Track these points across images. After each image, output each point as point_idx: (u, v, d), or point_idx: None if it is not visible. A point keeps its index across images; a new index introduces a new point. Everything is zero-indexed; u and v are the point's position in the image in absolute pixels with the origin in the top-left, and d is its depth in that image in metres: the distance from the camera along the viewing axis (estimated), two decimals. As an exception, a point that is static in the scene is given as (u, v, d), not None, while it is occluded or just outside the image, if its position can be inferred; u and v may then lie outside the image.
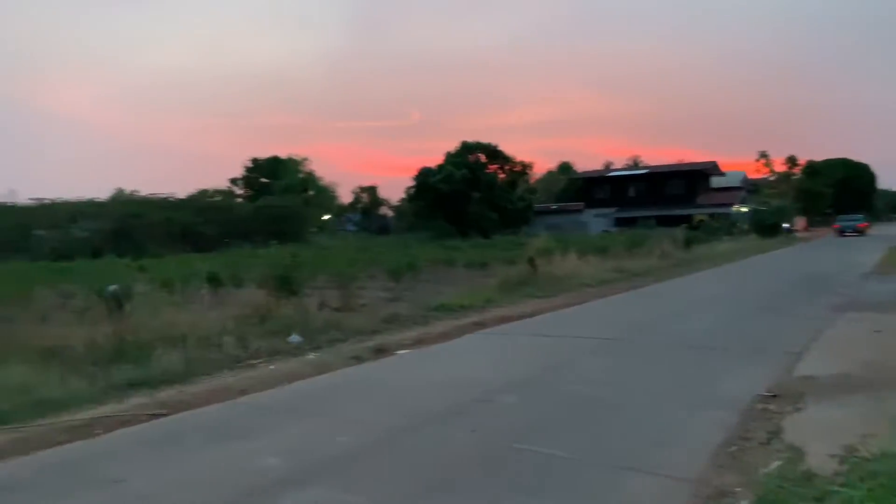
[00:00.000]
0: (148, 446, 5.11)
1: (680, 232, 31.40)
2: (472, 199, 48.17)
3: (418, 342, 9.20)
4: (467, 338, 9.66)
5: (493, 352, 8.75)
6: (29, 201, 44.31)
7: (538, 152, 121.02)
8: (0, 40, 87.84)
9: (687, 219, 45.57)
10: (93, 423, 5.61)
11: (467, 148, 50.19)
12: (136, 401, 6.31)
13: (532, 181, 57.35)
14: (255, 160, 61.30)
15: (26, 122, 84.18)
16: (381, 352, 8.54)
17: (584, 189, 63.71)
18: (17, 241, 35.12)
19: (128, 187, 48.99)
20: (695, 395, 6.17)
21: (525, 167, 52.72)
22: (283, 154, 61.93)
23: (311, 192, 61.05)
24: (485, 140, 51.03)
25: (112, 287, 9.36)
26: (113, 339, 7.92)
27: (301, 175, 61.75)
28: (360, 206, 72.43)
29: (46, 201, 42.47)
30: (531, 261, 16.64)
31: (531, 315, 11.68)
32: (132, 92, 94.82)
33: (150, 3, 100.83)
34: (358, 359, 8.16)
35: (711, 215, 50.30)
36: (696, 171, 59.93)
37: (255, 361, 7.99)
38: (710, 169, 60.27)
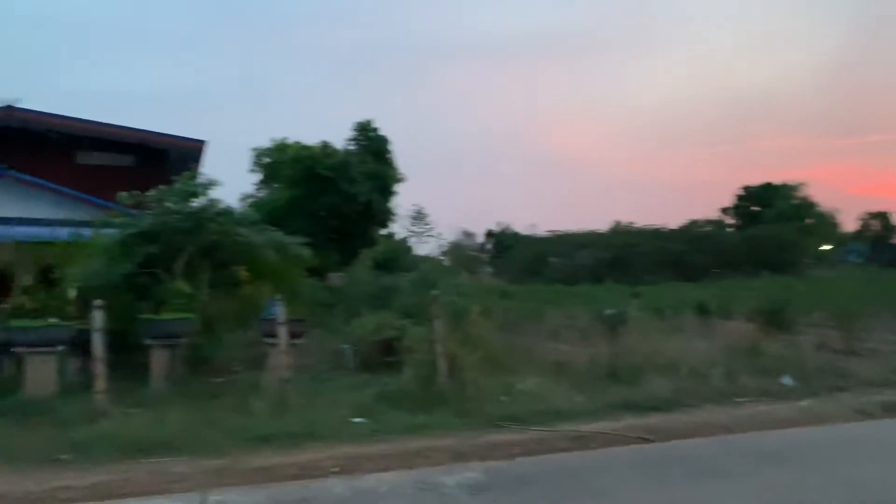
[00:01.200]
0: (634, 469, 5.49)
1: None
2: None
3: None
4: None
5: None
6: (545, 233, 52.42)
7: None
8: (535, 99, 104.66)
9: None
10: (589, 436, 6.34)
11: None
12: (627, 422, 6.84)
13: None
14: (746, 188, 58.92)
15: (541, 164, 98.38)
16: (894, 409, 7.34)
17: None
18: (536, 266, 41.97)
19: (624, 219, 52.89)
20: None
21: None
22: (776, 180, 58.00)
23: (808, 220, 55.41)
24: None
25: (609, 311, 10.36)
26: (608, 360, 8.78)
27: (795, 202, 56.68)
28: (868, 234, 62.46)
29: (558, 233, 49.49)
30: None
31: None
32: (625, 129, 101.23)
33: (639, 48, 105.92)
34: (864, 413, 7.21)
35: None
36: None
37: (741, 399, 7.81)
38: None
